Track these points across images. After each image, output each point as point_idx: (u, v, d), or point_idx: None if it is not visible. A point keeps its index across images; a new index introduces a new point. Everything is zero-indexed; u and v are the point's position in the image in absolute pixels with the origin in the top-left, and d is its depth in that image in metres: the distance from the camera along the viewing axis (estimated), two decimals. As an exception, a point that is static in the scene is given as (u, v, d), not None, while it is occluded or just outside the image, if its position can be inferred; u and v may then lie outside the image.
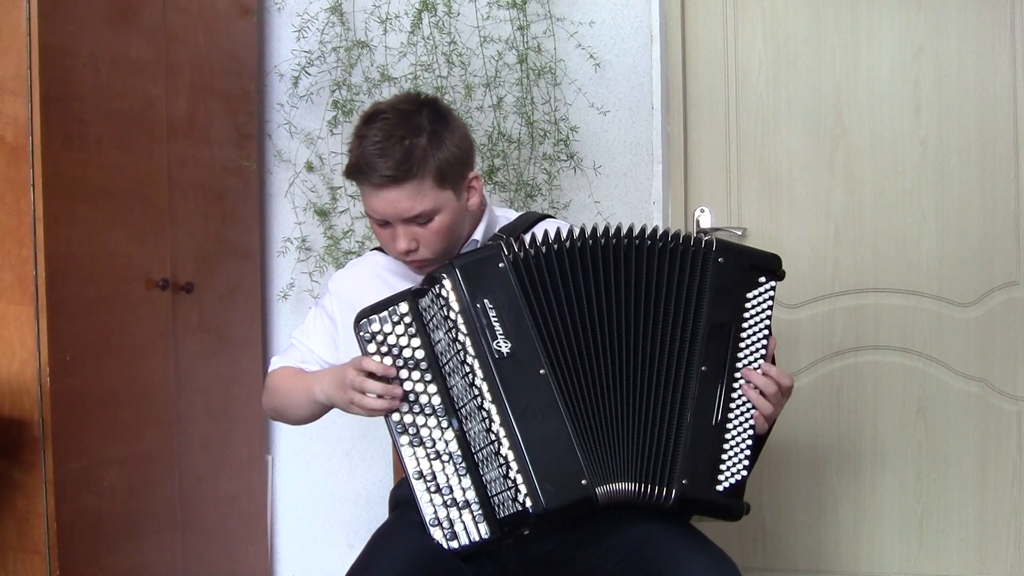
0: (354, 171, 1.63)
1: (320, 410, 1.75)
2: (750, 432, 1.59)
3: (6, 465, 2.06)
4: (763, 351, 1.61)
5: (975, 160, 2.69)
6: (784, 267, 1.66)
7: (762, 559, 2.79)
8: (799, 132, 2.78)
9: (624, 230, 1.60)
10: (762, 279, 1.62)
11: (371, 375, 1.54)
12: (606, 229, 1.59)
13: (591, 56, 2.73)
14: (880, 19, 2.73)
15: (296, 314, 2.92)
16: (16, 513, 2.06)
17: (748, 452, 1.58)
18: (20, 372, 2.05)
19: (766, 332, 1.62)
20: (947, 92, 2.70)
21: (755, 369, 1.60)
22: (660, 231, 1.60)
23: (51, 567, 2.05)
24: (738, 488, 1.57)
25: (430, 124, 1.62)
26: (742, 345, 1.60)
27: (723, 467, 1.56)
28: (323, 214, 2.81)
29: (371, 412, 1.56)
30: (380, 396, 1.53)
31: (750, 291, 1.61)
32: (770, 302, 1.62)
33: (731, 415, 1.58)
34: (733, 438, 1.58)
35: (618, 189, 2.76)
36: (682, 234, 1.61)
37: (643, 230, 1.60)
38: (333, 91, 2.77)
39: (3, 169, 2.04)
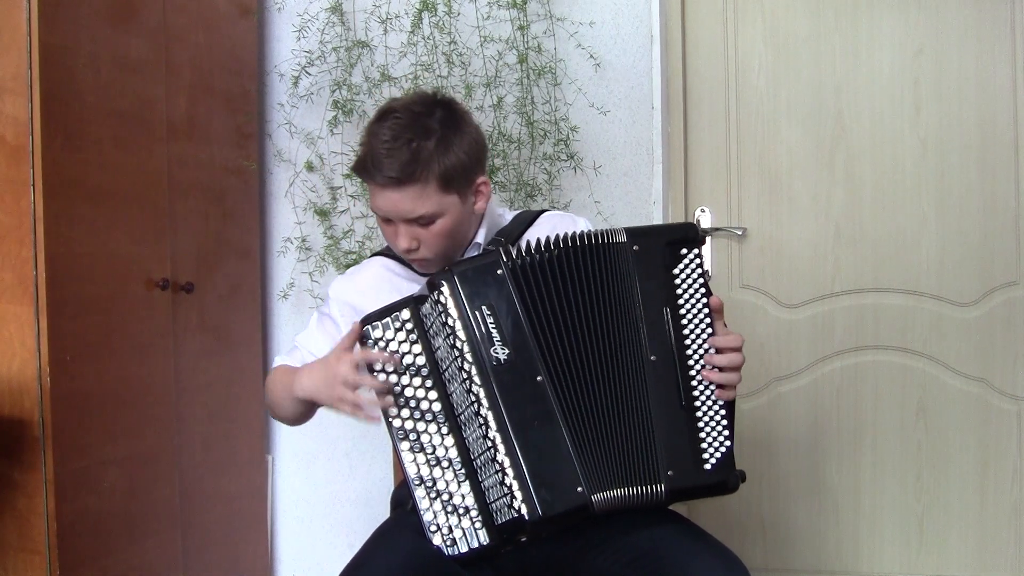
0: (360, 168, 1.64)
1: (303, 407, 1.73)
2: (720, 403, 1.59)
3: (6, 465, 2.06)
4: (707, 320, 1.61)
5: (975, 160, 2.69)
6: (786, 265, 1.65)
7: (762, 559, 2.79)
8: (799, 132, 2.78)
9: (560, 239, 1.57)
10: (683, 251, 1.62)
11: (369, 368, 1.53)
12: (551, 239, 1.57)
13: (591, 56, 2.73)
14: (880, 19, 2.73)
15: (296, 314, 2.92)
16: (16, 513, 2.06)
17: (725, 422, 1.58)
18: (20, 372, 2.05)
19: (704, 300, 1.61)
20: (947, 92, 2.70)
21: (707, 350, 1.59)
22: (578, 233, 1.59)
23: (51, 567, 2.05)
24: (727, 461, 1.57)
25: (441, 128, 1.61)
26: (684, 321, 1.60)
27: (704, 445, 1.56)
28: (323, 214, 2.81)
29: (356, 411, 1.54)
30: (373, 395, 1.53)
31: (675, 267, 1.61)
32: (699, 270, 1.62)
33: (695, 392, 1.58)
34: (705, 413, 1.58)
35: (618, 189, 2.76)
36: (593, 232, 1.60)
37: (569, 236, 1.58)
38: (333, 91, 2.77)
39: (3, 169, 2.04)
